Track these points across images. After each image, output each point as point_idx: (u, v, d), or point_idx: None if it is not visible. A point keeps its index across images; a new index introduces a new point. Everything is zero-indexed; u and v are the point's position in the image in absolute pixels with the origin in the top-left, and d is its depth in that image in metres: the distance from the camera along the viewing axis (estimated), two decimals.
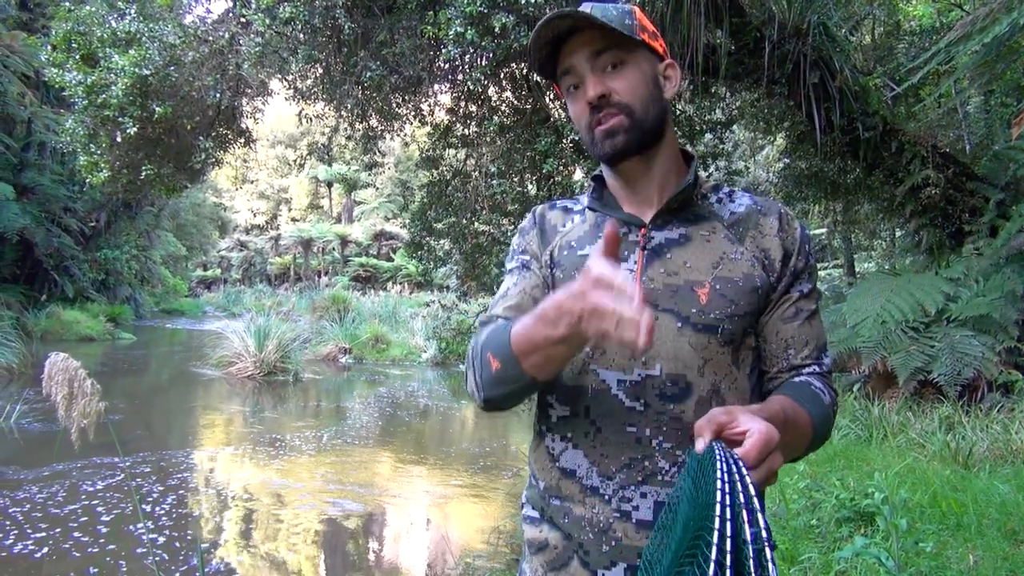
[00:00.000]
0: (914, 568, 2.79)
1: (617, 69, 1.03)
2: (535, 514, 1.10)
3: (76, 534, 4.93)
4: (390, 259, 40.09)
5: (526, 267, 1.15)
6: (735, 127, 10.48)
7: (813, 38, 6.55)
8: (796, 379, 1.04)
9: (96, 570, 4.38)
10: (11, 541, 4.76)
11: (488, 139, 8.07)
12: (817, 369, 1.05)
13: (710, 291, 1.01)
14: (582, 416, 1.03)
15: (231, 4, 7.59)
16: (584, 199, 1.16)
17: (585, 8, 1.02)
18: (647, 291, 1.02)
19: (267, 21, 6.36)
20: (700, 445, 0.79)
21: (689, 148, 1.22)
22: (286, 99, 8.46)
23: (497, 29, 5.74)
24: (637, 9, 1.07)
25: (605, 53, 1.02)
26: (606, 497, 1.00)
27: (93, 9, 7.34)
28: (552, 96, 8.24)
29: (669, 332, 1.00)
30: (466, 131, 8.27)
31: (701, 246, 1.04)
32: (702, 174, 1.13)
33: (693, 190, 1.08)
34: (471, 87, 6.82)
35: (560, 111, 7.88)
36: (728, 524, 0.68)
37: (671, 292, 1.01)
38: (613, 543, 0.99)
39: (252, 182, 53.20)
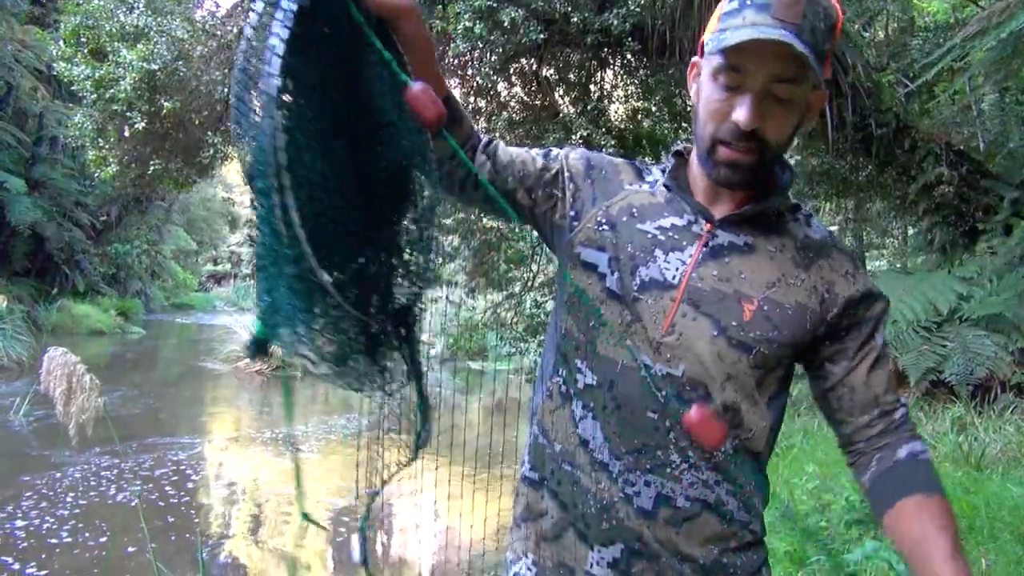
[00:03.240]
0: None
1: (780, 103, 0.92)
2: (534, 476, 1.07)
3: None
4: None
5: (546, 157, 1.12)
6: None
7: None
8: (901, 452, 0.98)
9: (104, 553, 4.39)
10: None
11: (497, 135, 8.03)
12: (903, 410, 1.01)
13: (756, 309, 0.96)
14: (606, 389, 0.99)
15: None
16: (656, 171, 1.10)
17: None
18: (694, 289, 0.97)
19: None
20: None
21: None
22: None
23: (506, 24, 5.71)
24: (840, 23, 0.95)
25: (785, 84, 0.91)
26: (613, 475, 0.97)
27: (102, 3, 7.35)
28: (562, 92, 8.21)
29: (702, 337, 0.95)
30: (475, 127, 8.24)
31: (763, 260, 0.98)
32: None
33: (776, 206, 1.01)
34: (480, 82, 6.79)
35: (569, 107, 7.84)
36: None
37: (717, 298, 0.96)
38: (614, 522, 0.97)
39: None
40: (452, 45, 6.17)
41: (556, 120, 7.35)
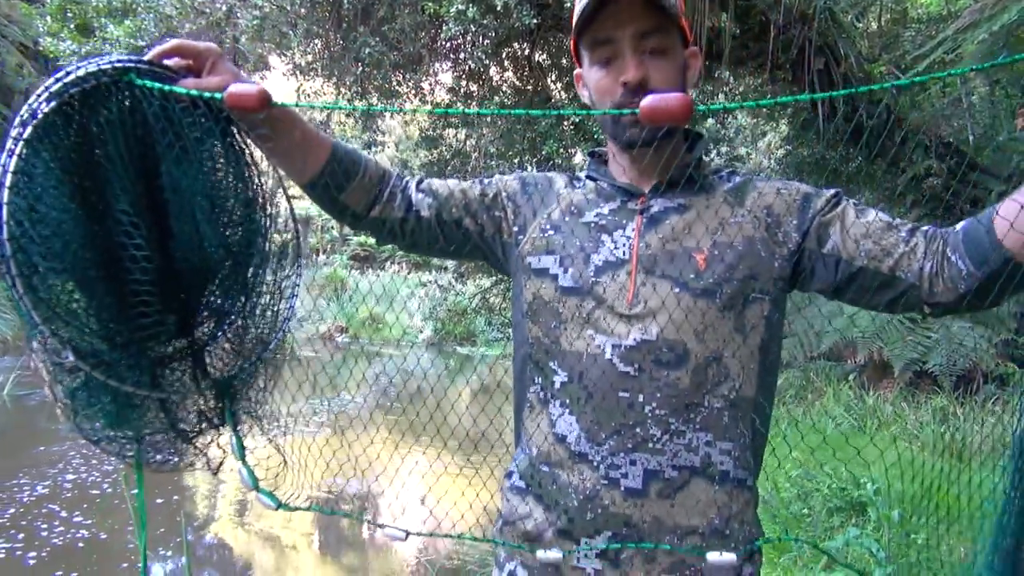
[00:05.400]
0: (905, 559, 2.78)
1: (656, 56, 1.01)
2: (521, 484, 1.09)
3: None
4: None
5: (481, 183, 1.18)
6: (737, 113, 10.39)
7: (819, 24, 6.47)
8: (958, 225, 0.96)
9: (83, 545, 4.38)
10: None
11: (488, 119, 7.99)
12: (927, 224, 0.99)
13: (708, 256, 1.00)
14: (576, 381, 1.01)
15: None
16: (584, 176, 1.16)
17: None
18: (645, 257, 1.01)
19: None
20: None
21: (700, 129, 1.21)
22: (284, 75, 8.34)
23: (499, 7, 5.66)
24: None
25: (652, 37, 1.00)
26: (594, 464, 0.99)
27: None
28: (553, 78, 8.15)
29: (667, 298, 0.98)
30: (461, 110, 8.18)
31: (701, 212, 1.03)
32: (706, 158, 1.12)
33: (696, 168, 1.07)
34: (472, 66, 6.74)
35: (561, 92, 7.80)
36: None
37: (669, 258, 1.00)
38: (599, 511, 0.98)
39: None
40: (444, 28, 6.11)
41: (548, 105, 7.31)
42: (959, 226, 0.94)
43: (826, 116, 6.76)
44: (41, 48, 8.40)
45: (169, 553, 4.38)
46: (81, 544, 4.44)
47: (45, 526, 4.66)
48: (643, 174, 1.08)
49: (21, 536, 4.49)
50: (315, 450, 1.23)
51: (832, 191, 1.05)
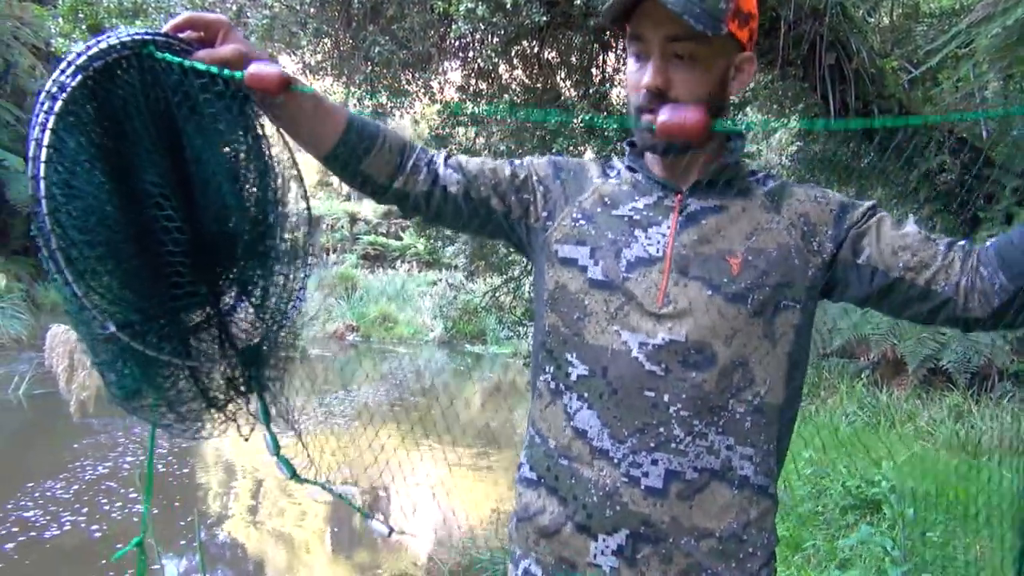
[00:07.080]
0: (919, 558, 2.76)
1: (685, 61, 0.98)
2: (532, 476, 1.08)
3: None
4: (399, 238, 39.84)
5: (512, 164, 1.15)
6: (748, 109, 10.35)
7: (830, 19, 6.43)
8: (988, 242, 0.96)
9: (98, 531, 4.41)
10: None
11: (498, 118, 7.98)
12: (963, 239, 0.99)
13: (742, 261, 0.99)
14: (599, 376, 1.00)
15: None
16: (618, 163, 1.14)
17: None
18: (679, 256, 1.00)
19: None
20: None
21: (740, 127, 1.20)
22: (294, 73, 8.35)
23: (508, 5, 5.65)
24: None
25: (679, 43, 0.97)
26: (615, 461, 0.98)
27: None
28: (563, 75, 8.14)
29: (699, 300, 0.98)
30: (476, 109, 8.18)
31: (737, 216, 1.02)
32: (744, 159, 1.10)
33: (735, 168, 1.05)
34: (482, 65, 6.74)
35: (571, 90, 7.78)
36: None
37: (703, 260, 0.99)
38: (618, 508, 0.98)
39: None
40: (454, 27, 6.11)
41: (558, 103, 7.30)
42: (989, 242, 0.95)
43: (837, 112, 6.72)
44: (53, 49, 8.47)
45: (183, 551, 4.41)
46: (136, 519, 4.74)
47: (106, 501, 5.08)
48: (679, 170, 1.06)
49: (85, 511, 4.92)
50: (331, 442, 1.24)
51: (869, 203, 1.05)
